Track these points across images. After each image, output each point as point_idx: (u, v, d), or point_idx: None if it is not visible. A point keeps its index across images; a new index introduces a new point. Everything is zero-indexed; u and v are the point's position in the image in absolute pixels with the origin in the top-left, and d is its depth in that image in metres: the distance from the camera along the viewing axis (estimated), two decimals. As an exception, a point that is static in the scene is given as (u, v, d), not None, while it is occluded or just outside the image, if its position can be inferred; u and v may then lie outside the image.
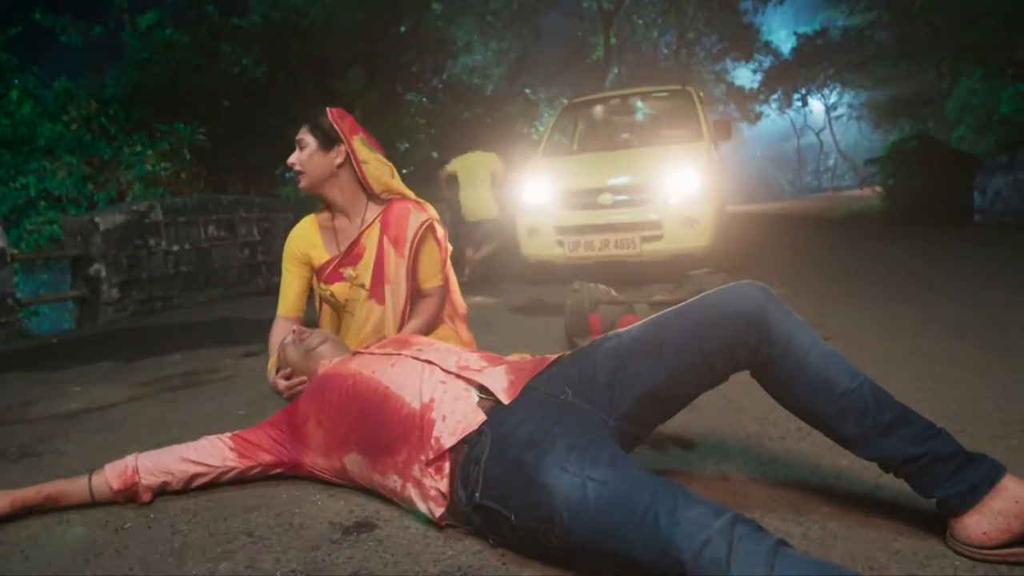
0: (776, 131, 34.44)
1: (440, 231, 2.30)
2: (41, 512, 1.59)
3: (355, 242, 2.18)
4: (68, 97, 11.11)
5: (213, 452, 1.66)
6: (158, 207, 5.93)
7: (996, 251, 6.08)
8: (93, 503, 1.61)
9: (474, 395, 1.43)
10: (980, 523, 1.16)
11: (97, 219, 5.45)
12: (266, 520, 1.51)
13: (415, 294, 2.26)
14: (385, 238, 2.18)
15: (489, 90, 18.34)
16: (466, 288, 5.83)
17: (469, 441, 1.34)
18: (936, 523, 1.25)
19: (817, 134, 32.43)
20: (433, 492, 1.36)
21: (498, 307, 4.71)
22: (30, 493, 1.57)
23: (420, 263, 2.23)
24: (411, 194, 2.29)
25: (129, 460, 1.64)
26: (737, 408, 2.11)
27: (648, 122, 7.22)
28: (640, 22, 25.11)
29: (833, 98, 29.93)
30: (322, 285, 2.22)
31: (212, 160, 11.87)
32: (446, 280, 2.39)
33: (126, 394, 2.92)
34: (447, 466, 1.35)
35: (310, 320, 2.24)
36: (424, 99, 15.59)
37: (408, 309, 2.23)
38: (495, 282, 6.12)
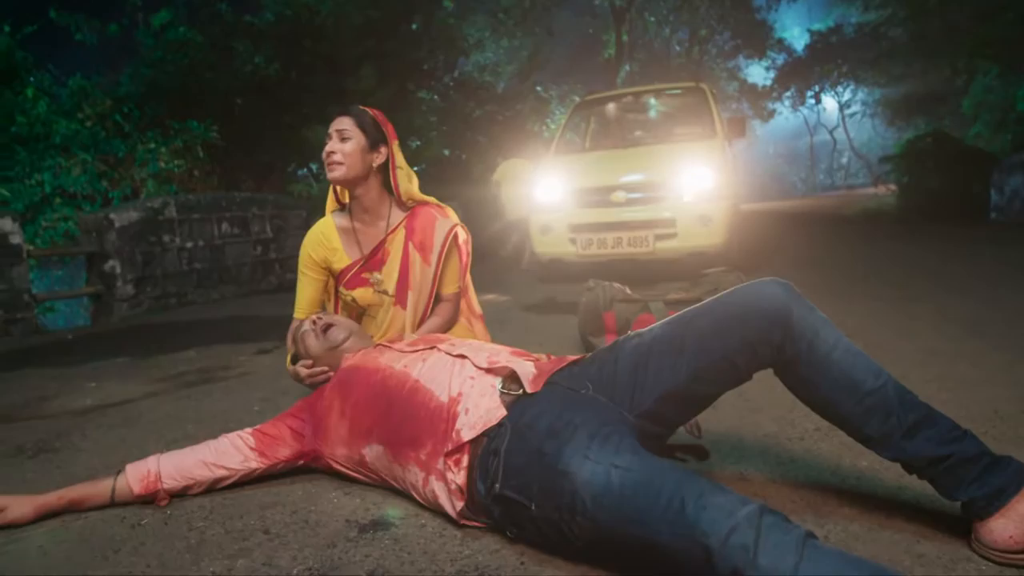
0: (789, 129, 34.21)
1: (463, 236, 2.29)
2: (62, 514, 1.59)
3: (379, 247, 2.17)
4: (83, 95, 11.21)
5: (235, 455, 1.65)
6: (172, 204, 5.96)
7: (1013, 250, 6.01)
8: (113, 505, 1.61)
9: (498, 390, 1.42)
10: (1007, 526, 1.14)
11: (112, 216, 5.48)
12: (282, 517, 1.51)
13: (434, 299, 2.26)
14: (411, 244, 2.18)
15: (500, 87, 18.30)
16: (480, 286, 5.85)
17: (489, 434, 1.34)
18: (961, 526, 1.23)
19: (830, 132, 32.18)
20: (452, 486, 1.36)
21: (511, 305, 4.70)
22: (52, 499, 1.56)
23: (443, 270, 2.24)
24: (433, 201, 2.29)
25: (151, 464, 1.62)
26: (755, 408, 2.09)
27: (661, 119, 7.18)
28: (652, 19, 25.02)
29: (847, 95, 29.68)
30: (343, 290, 2.20)
31: (225, 157, 11.94)
32: (466, 288, 2.39)
33: (142, 390, 2.94)
34: (465, 459, 1.35)
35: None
36: (435, 96, 15.59)
37: (427, 313, 2.24)
38: (507, 280, 6.10)
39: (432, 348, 1.63)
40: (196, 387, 2.92)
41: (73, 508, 1.58)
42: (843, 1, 24.71)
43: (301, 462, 1.70)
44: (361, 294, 2.19)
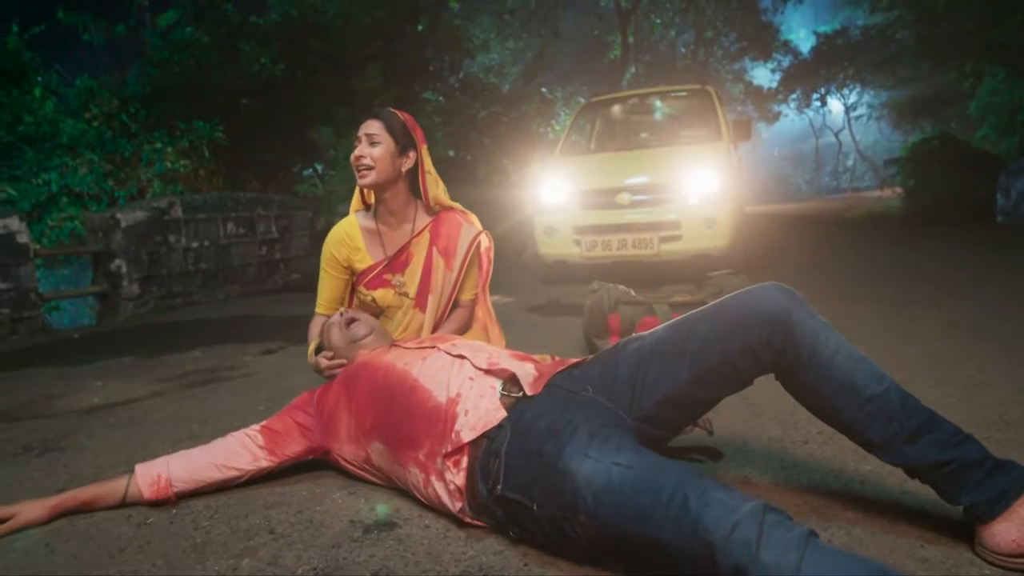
0: (794, 131, 34.15)
1: (485, 244, 2.29)
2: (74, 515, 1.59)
3: (402, 249, 2.18)
4: (90, 95, 11.27)
5: (245, 455, 1.65)
6: (178, 204, 5.98)
7: (1018, 254, 5.99)
8: (124, 506, 1.61)
9: (498, 391, 1.43)
10: (1009, 530, 1.14)
11: (118, 215, 5.51)
12: (287, 517, 1.52)
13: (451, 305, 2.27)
14: (435, 249, 2.19)
15: (505, 89, 18.30)
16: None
17: (489, 435, 1.34)
18: (964, 530, 1.23)
19: (836, 134, 32.09)
20: (452, 487, 1.37)
21: (515, 306, 4.70)
22: (65, 500, 1.57)
23: (464, 277, 2.25)
24: (458, 207, 2.30)
25: (161, 468, 1.62)
26: (758, 412, 2.09)
27: (666, 122, 7.18)
28: (658, 21, 24.97)
29: (853, 98, 29.60)
30: (362, 289, 2.21)
31: (230, 157, 11.98)
32: (484, 291, 2.40)
33: (147, 389, 2.95)
34: (465, 461, 1.36)
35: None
36: (440, 98, 15.60)
37: (444, 317, 2.25)
38: (512, 281, 6.11)
39: (433, 347, 1.64)
40: (201, 387, 2.94)
41: (85, 509, 1.59)
42: (850, 3, 24.64)
43: (310, 456, 1.71)
44: (382, 295, 2.20)
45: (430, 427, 1.42)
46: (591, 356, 1.54)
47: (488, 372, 1.49)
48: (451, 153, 15.38)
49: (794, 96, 28.97)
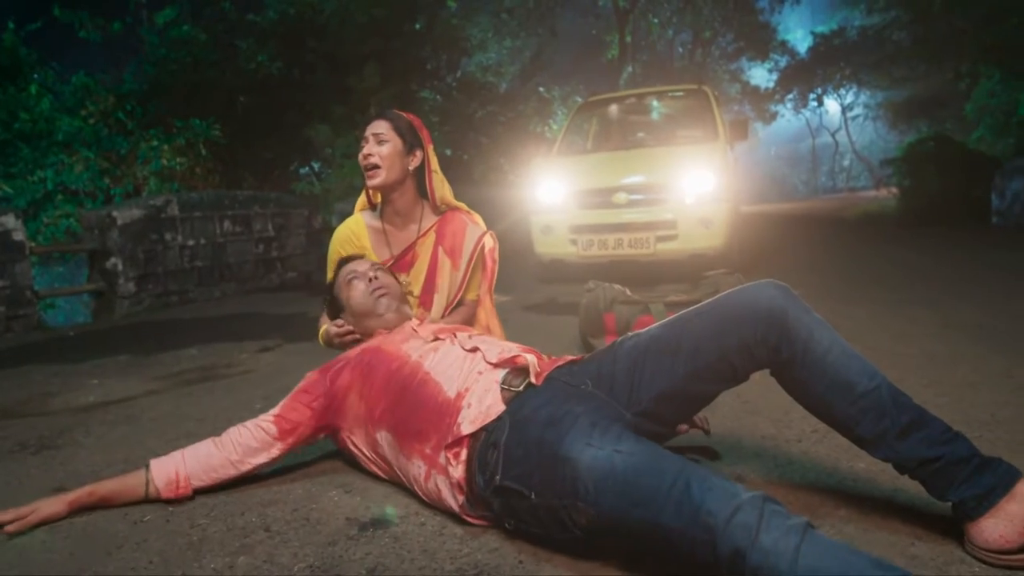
0: (791, 131, 34.20)
1: (490, 244, 2.30)
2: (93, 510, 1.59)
3: (408, 249, 2.20)
4: (86, 92, 11.24)
5: (261, 448, 1.63)
6: (174, 202, 5.98)
7: (1013, 255, 6.02)
8: (147, 501, 1.61)
9: (502, 384, 1.44)
10: (997, 526, 1.16)
11: (115, 213, 5.50)
12: (283, 515, 1.52)
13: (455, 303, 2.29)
14: (440, 248, 2.20)
15: (503, 88, 18.31)
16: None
17: (488, 428, 1.36)
18: (954, 527, 1.24)
19: (832, 134, 32.17)
20: (453, 480, 1.38)
21: (512, 305, 4.71)
22: (83, 495, 1.57)
23: (470, 277, 2.25)
24: (464, 207, 2.31)
25: (178, 465, 1.61)
26: (753, 410, 2.10)
27: (663, 122, 7.20)
28: (656, 21, 24.98)
29: (849, 98, 29.68)
30: None
31: (227, 155, 11.97)
32: (490, 291, 2.40)
33: (143, 387, 2.95)
34: (464, 453, 1.37)
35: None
36: (438, 97, 15.60)
37: (448, 315, 2.26)
38: (509, 280, 6.11)
39: (447, 339, 1.65)
40: (197, 385, 2.94)
41: (103, 504, 1.59)
42: (847, 4, 24.69)
43: (322, 435, 1.71)
44: None
45: (438, 421, 1.44)
46: (588, 354, 1.55)
47: (497, 366, 1.50)
48: (448, 152, 15.39)
49: (791, 96, 29.02)
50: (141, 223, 5.65)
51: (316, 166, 14.93)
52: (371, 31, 13.16)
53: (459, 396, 1.45)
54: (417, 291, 2.20)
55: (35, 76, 10.88)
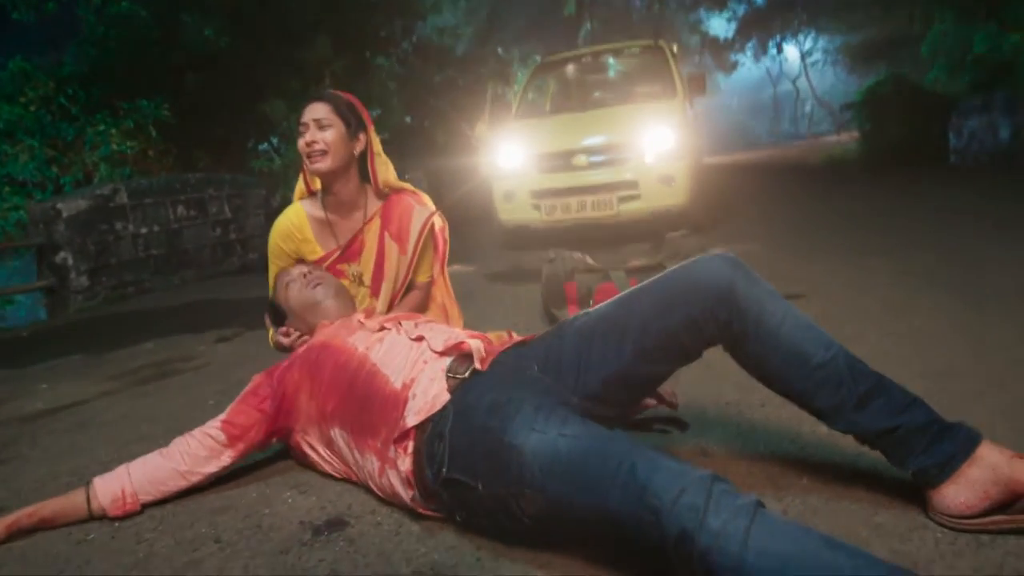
0: (752, 80, 34.13)
1: (439, 224, 2.24)
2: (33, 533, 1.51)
3: (355, 237, 2.11)
4: (24, 78, 10.77)
5: (209, 457, 1.57)
6: (123, 190, 5.77)
7: (970, 194, 6.08)
8: (90, 519, 1.53)
9: (447, 372, 1.39)
10: (958, 493, 1.14)
11: (59, 205, 5.30)
12: (234, 523, 1.47)
13: (406, 287, 2.22)
14: (387, 234, 2.13)
15: (460, 51, 17.95)
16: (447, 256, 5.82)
17: (433, 419, 1.31)
18: (918, 494, 1.23)
19: (793, 81, 32.17)
20: (403, 473, 1.33)
21: (476, 275, 4.65)
22: (22, 517, 1.49)
23: (419, 259, 2.19)
24: (409, 187, 2.23)
25: (123, 481, 1.53)
26: (717, 374, 2.06)
27: (621, 79, 7.10)
28: (611, -27, 24.57)
29: (808, 44, 29.66)
30: None
31: (180, 136, 11.62)
32: (443, 271, 2.34)
33: (96, 389, 2.85)
34: (411, 446, 1.33)
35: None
36: (392, 62, 15.25)
37: (397, 301, 2.19)
38: (473, 248, 6.04)
39: (393, 328, 1.59)
40: (152, 383, 2.85)
41: (44, 526, 1.51)
42: (802, -52, 24.50)
43: (274, 440, 1.66)
44: None
45: (386, 414, 1.39)
46: (539, 335, 1.50)
47: (443, 353, 1.45)
48: (408, 120, 15.11)
49: (750, 45, 28.91)
50: (88, 214, 5.45)
51: (274, 141, 14.57)
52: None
53: (405, 387, 1.39)
54: (368, 280, 2.13)
55: (-32, 63, 10.42)
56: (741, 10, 27.90)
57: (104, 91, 10.85)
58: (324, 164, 1.98)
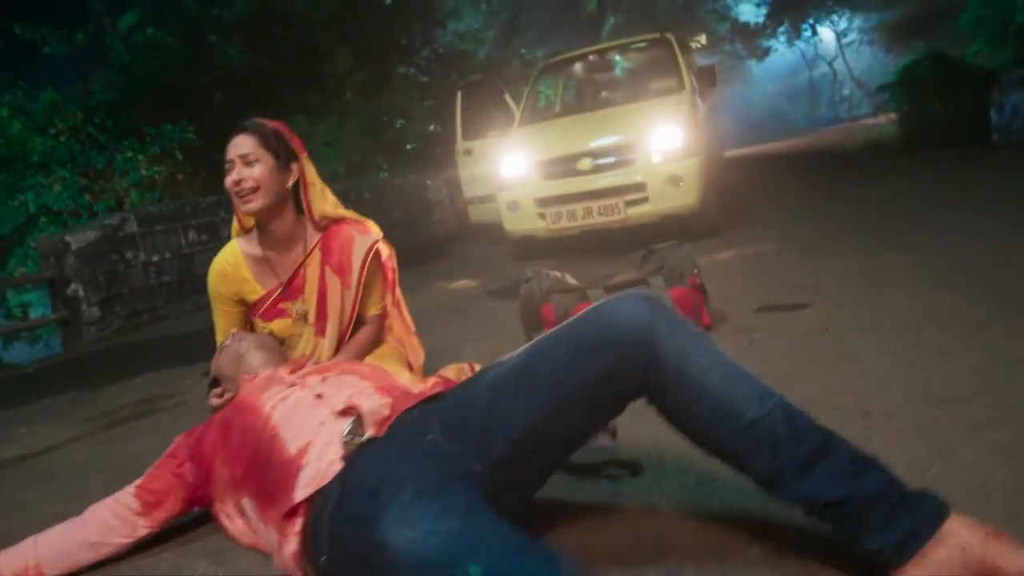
0: (786, 65, 33.15)
1: (385, 252, 2.11)
2: None
3: (296, 274, 1.99)
4: (55, 109, 11.05)
5: (121, 527, 1.46)
6: (131, 219, 5.79)
7: (1014, 177, 5.65)
8: None
9: (343, 437, 1.24)
10: (923, 578, 0.94)
11: (68, 238, 5.33)
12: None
13: (356, 322, 2.09)
14: (327, 268, 2.00)
15: (482, 55, 17.85)
16: (449, 273, 5.72)
17: (324, 491, 1.16)
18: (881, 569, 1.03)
19: (829, 63, 31.19)
20: (292, 554, 1.18)
21: (477, 291, 4.50)
22: None
23: (365, 291, 2.05)
24: (351, 215, 2.10)
25: (27, 554, 1.42)
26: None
27: (628, 77, 6.86)
28: (634, -35, 24.19)
29: (843, 24, 28.73)
30: (259, 321, 2.03)
31: (208, 157, 11.79)
32: (397, 302, 2.21)
33: (69, 433, 2.79)
34: (299, 523, 1.18)
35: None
36: (413, 70, 15.23)
37: (348, 337, 2.06)
38: (482, 261, 5.90)
39: (296, 384, 1.45)
40: (123, 425, 2.78)
41: None
42: (831, -75, 23.77)
43: (195, 509, 1.53)
44: (279, 325, 2.02)
45: (283, 484, 1.24)
46: (455, 386, 1.34)
47: (344, 413, 1.29)
48: (432, 127, 15.05)
49: (782, 29, 28.13)
50: (97, 245, 5.48)
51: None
52: (340, 12, 12.80)
53: (299, 453, 1.24)
54: (312, 318, 2.00)
55: (6, 98, 10.71)
56: (771, -6, 27.22)
57: (131, 118, 11.06)
58: (255, 204, 1.85)
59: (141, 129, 10.54)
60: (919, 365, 1.90)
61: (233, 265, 2.00)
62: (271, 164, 1.86)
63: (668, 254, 2.65)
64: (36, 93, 11.64)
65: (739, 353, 2.28)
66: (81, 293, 5.32)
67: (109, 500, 1.49)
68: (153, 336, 5.17)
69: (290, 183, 1.91)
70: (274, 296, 2.00)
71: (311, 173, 1.96)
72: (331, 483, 1.15)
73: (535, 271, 2.71)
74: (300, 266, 1.99)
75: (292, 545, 1.18)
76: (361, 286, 2.02)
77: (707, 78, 5.63)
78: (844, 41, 29.37)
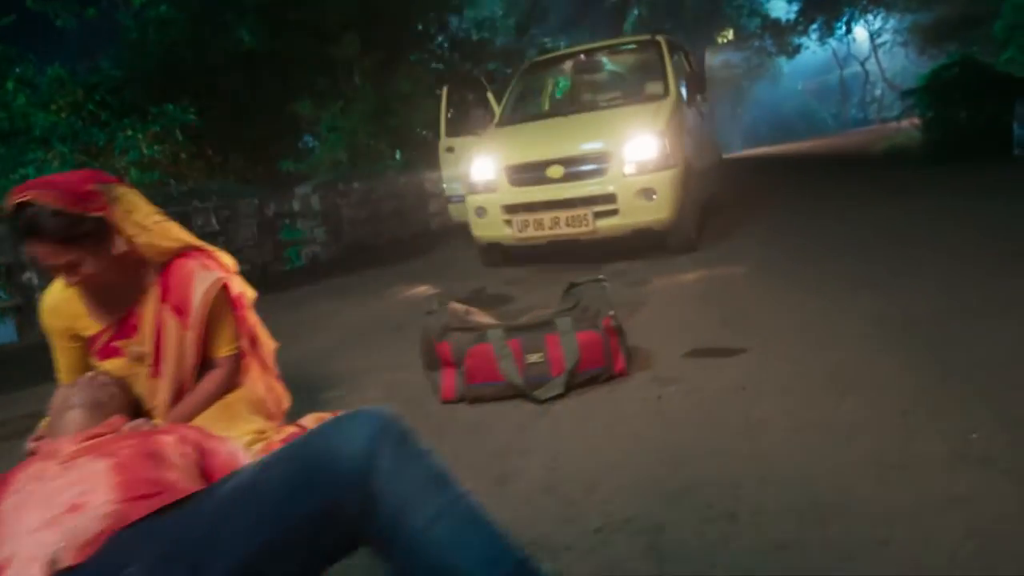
0: (817, 63, 32.18)
1: (236, 288, 1.90)
2: None
3: (129, 312, 1.79)
4: (59, 85, 11.02)
5: None
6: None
7: (1018, 202, 5.19)
8: None
9: (50, 558, 1.02)
10: None
11: (25, 224, 5.19)
12: None
13: (204, 364, 1.88)
14: (165, 307, 1.79)
15: (500, 43, 17.52)
16: (415, 276, 5.49)
17: None
18: None
19: (862, 63, 30.24)
20: None
21: (428, 303, 4.25)
22: None
23: (210, 331, 1.85)
24: (198, 245, 1.88)
25: None
26: (549, 485, 1.64)
27: (613, 80, 6.53)
28: (663, -45, 23.58)
29: (877, 24, 27.81)
30: (94, 360, 1.83)
31: (212, 137, 11.70)
32: (255, 341, 2.00)
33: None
34: None
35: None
36: (425, 56, 14.98)
37: (189, 383, 1.86)
38: (452, 265, 5.67)
39: (64, 464, 1.24)
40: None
41: None
42: (870, -78, 22.93)
43: None
44: (113, 365, 1.81)
45: None
46: (191, 493, 1.11)
47: (54, 522, 1.08)
48: (449, 116, 14.77)
49: (815, 27, 27.30)
50: (56, 232, 5.33)
51: (309, 141, 14.58)
52: (355, -4, 12.57)
53: (2, 567, 1.03)
54: (150, 359, 1.80)
55: (16, 70, 10.67)
56: (805, -10, 26.40)
57: (136, 96, 10.98)
58: (87, 289, 1.71)
59: (144, 107, 10.47)
60: (828, 451, 1.66)
61: (66, 299, 1.80)
62: (80, 254, 1.60)
63: (585, 293, 2.40)
64: (46, 67, 11.63)
65: (643, 410, 2.05)
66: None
67: None
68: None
69: (118, 249, 1.66)
70: (107, 334, 1.79)
71: (137, 215, 1.70)
72: None
73: (441, 303, 2.48)
74: (135, 303, 1.78)
75: None
76: (203, 326, 1.81)
77: (695, 86, 5.31)
78: (878, 41, 28.48)
